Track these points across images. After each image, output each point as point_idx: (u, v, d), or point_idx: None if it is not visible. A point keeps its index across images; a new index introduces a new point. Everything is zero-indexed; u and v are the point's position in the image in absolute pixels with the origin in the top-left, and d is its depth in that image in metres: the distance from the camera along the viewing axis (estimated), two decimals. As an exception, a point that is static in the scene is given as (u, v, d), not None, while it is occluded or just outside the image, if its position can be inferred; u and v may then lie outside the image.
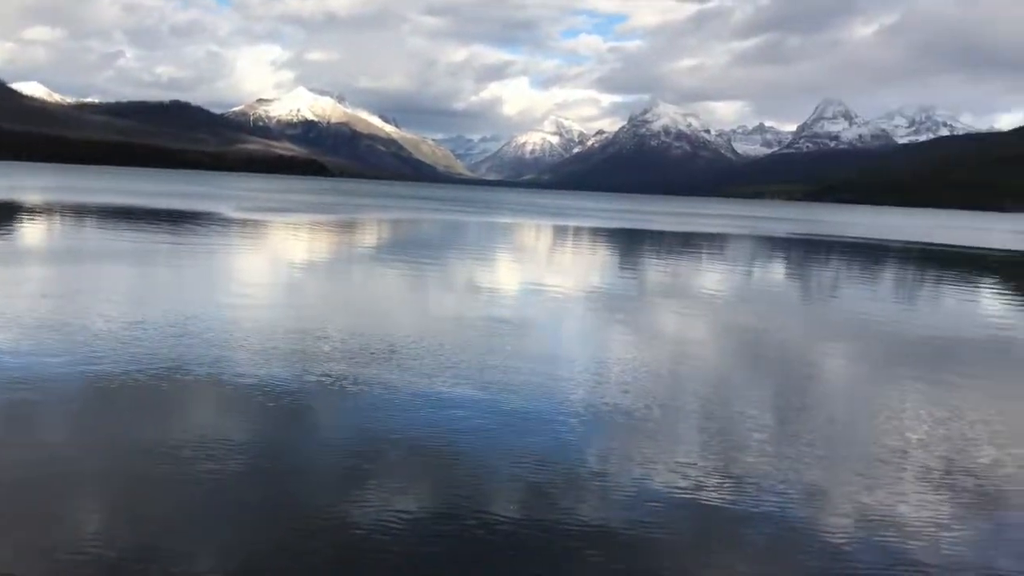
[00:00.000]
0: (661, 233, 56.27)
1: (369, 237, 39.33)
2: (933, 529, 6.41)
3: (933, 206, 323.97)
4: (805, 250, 44.95)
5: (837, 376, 12.47)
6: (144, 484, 6.55)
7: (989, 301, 24.20)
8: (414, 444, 7.84)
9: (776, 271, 31.87)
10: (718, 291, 23.03)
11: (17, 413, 8.12)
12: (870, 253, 44.34)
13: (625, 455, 7.78)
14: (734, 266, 31.68)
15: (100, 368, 9.85)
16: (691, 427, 8.80)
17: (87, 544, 5.48)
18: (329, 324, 13.65)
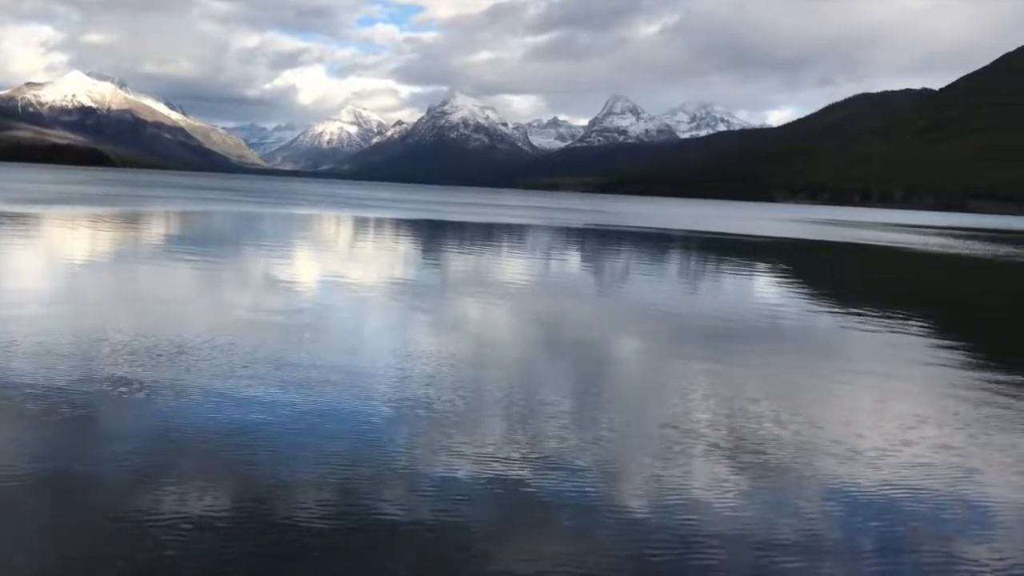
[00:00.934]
0: (461, 224, 56.73)
1: (154, 231, 36.97)
2: (723, 502, 6.79)
3: (712, 197, 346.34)
4: (598, 239, 46.78)
5: (630, 361, 13.02)
6: None
7: (761, 284, 26.15)
8: (209, 448, 7.40)
9: (572, 260, 32.95)
10: (517, 281, 23.50)
11: None
12: (656, 241, 46.84)
13: (429, 448, 7.71)
14: (533, 256, 32.44)
15: None
16: (494, 417, 8.86)
17: None
18: (109, 325, 12.66)
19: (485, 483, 6.94)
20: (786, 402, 10.16)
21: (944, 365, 13.14)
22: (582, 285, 24.36)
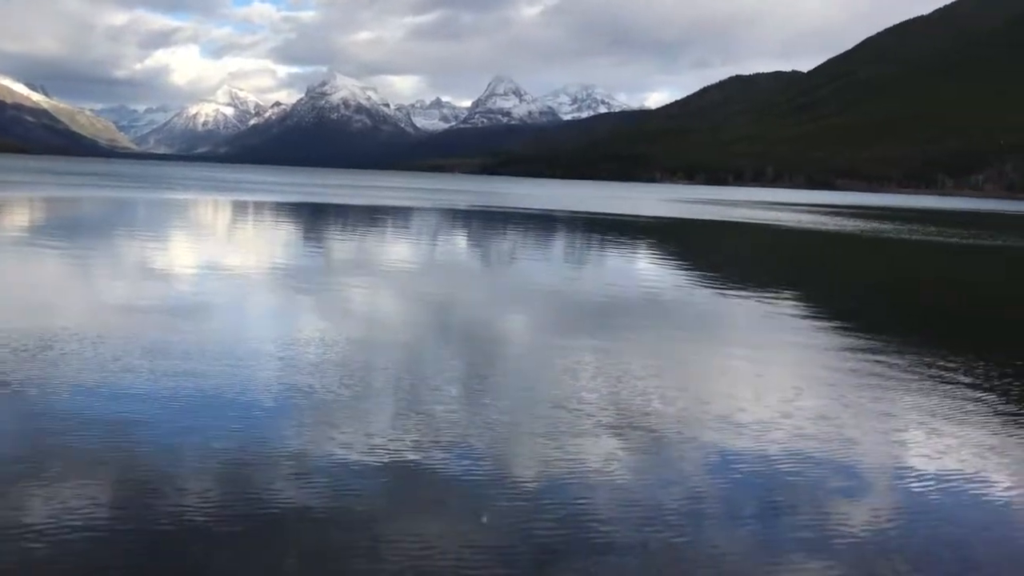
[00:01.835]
0: (345, 207, 55.81)
1: (17, 219, 34.80)
2: (612, 477, 6.87)
3: (595, 178, 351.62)
4: (483, 221, 46.84)
5: (518, 342, 13.06)
6: None
7: (644, 263, 26.75)
8: (84, 444, 6.99)
9: (459, 242, 32.90)
10: (403, 265, 23.29)
11: None
12: (541, 222, 47.22)
13: (315, 437, 7.51)
14: (418, 239, 32.22)
15: None
16: (381, 402, 8.72)
17: None
18: (-34, 319, 11.83)
19: (373, 469, 6.81)
20: (671, 378, 10.38)
21: (820, 337, 13.71)
22: (468, 267, 24.33)
